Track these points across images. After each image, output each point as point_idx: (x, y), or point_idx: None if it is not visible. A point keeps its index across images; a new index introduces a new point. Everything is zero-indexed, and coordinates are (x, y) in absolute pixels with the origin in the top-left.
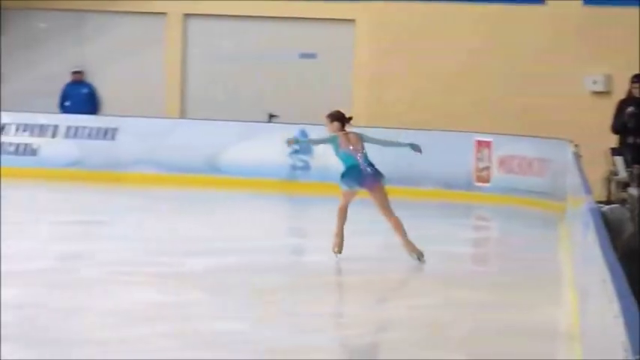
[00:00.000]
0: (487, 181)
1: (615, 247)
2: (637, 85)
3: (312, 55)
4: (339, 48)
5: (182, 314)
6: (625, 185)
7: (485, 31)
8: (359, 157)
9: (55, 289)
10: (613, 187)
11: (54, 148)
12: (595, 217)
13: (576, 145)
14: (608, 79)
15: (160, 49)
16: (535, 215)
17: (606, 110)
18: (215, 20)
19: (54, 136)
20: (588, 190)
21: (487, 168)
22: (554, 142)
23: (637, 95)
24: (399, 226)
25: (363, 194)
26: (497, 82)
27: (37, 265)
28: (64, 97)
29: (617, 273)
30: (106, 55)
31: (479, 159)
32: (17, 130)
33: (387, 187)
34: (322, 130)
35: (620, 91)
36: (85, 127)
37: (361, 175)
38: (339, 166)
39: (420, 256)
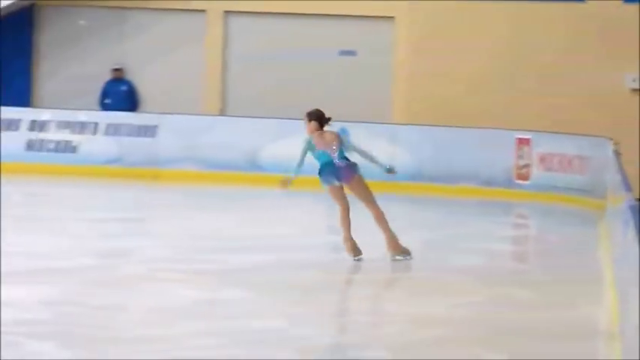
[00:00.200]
0: (527, 178)
1: None
2: None
3: (351, 53)
4: (378, 45)
5: (222, 312)
6: None
7: (524, 29)
8: (333, 154)
9: (94, 286)
10: None
11: (94, 146)
12: (635, 215)
13: (616, 143)
14: None
15: (200, 47)
16: (575, 213)
17: None
18: (255, 18)
19: (94, 133)
20: (628, 187)
21: (527, 165)
22: (594, 140)
23: None
24: (381, 219)
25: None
26: (537, 80)
27: (76, 262)
28: (104, 94)
29: None
30: (146, 52)
31: (519, 156)
32: (57, 127)
33: (427, 184)
34: (362, 128)
35: None
36: (124, 125)
37: (335, 169)
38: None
39: (405, 254)
